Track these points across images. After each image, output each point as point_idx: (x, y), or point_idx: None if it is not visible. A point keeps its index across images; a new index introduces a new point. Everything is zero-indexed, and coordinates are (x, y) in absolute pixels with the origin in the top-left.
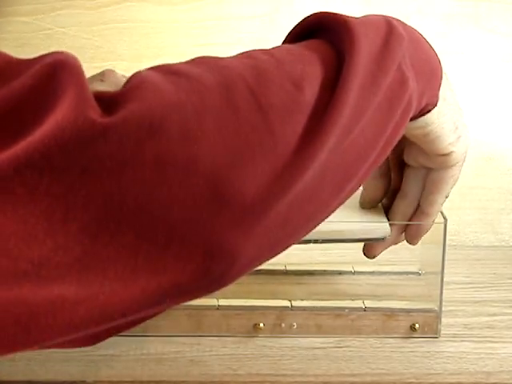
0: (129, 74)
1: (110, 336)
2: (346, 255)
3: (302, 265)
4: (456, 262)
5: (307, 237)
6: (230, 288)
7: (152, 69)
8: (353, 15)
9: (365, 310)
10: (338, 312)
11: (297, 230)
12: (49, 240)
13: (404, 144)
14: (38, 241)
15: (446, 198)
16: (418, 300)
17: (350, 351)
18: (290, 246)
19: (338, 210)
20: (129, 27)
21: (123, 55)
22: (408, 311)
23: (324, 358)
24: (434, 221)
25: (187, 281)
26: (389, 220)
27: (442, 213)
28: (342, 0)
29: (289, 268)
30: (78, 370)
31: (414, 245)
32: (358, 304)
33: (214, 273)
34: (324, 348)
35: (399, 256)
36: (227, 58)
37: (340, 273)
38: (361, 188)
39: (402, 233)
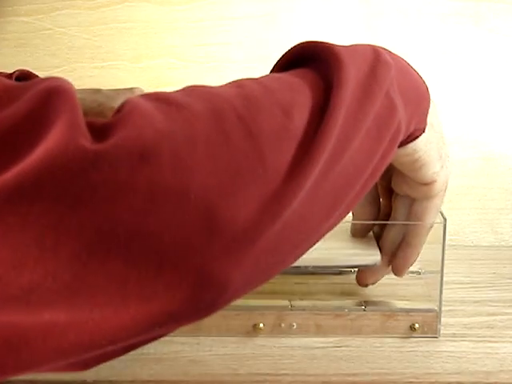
0: (129, 75)
1: (100, 363)
2: None
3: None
4: (456, 261)
5: (297, 263)
6: None
7: (143, 96)
8: (353, 15)
9: (364, 309)
10: (337, 312)
11: (285, 257)
12: (39, 267)
13: (392, 172)
14: (28, 268)
15: (431, 228)
16: (417, 300)
17: (350, 351)
18: (278, 272)
19: (328, 238)
20: (129, 27)
21: (123, 55)
22: (408, 311)
23: (324, 357)
24: (419, 251)
25: (177, 309)
26: (380, 248)
27: (441, 213)
28: (342, 0)
29: (289, 268)
30: None
31: (400, 276)
32: (358, 304)
33: (204, 301)
34: (324, 348)
35: None
36: (217, 86)
37: (340, 273)
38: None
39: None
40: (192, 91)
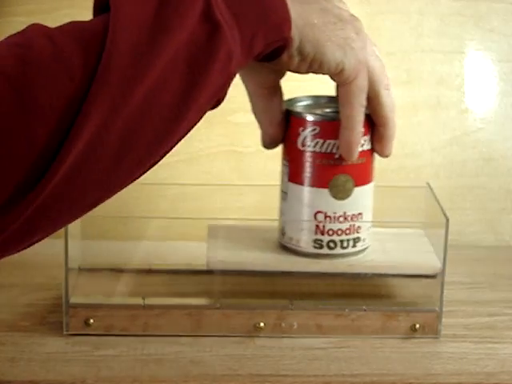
0: None
1: None
2: None
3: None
4: (456, 262)
5: (357, 270)
6: (230, 288)
7: None
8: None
9: (365, 309)
10: (338, 312)
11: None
12: None
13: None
14: None
15: (363, 108)
16: (418, 300)
17: (350, 351)
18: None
19: (389, 245)
20: None
21: None
22: (408, 311)
23: (324, 358)
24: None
25: None
26: None
27: (443, 213)
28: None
29: (288, 268)
30: (78, 370)
31: (349, 160)
32: (358, 304)
33: None
34: (324, 348)
35: None
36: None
37: (342, 274)
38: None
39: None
40: None
